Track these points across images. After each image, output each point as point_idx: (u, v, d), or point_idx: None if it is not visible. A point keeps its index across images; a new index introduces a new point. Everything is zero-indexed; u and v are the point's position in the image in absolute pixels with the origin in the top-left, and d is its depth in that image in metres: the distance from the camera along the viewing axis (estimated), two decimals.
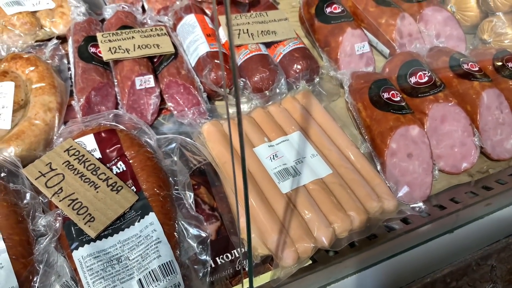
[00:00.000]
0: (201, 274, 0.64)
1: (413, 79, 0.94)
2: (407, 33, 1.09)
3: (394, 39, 1.07)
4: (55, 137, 0.80)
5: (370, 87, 0.92)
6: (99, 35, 0.92)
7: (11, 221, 0.59)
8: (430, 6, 1.12)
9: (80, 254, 0.59)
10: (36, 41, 0.98)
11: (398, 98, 0.90)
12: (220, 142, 0.82)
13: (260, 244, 0.72)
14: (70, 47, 0.95)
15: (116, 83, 0.90)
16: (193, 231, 0.66)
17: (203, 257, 0.65)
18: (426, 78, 0.93)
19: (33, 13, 0.99)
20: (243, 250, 0.71)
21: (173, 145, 0.79)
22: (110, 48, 0.90)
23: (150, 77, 0.90)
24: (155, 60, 0.95)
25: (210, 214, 0.75)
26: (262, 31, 1.01)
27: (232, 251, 0.73)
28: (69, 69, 0.95)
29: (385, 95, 0.90)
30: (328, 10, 1.07)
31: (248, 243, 0.52)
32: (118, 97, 0.90)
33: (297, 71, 0.97)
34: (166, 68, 0.92)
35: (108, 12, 1.02)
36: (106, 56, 0.89)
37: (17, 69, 0.87)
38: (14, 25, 0.96)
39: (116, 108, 0.90)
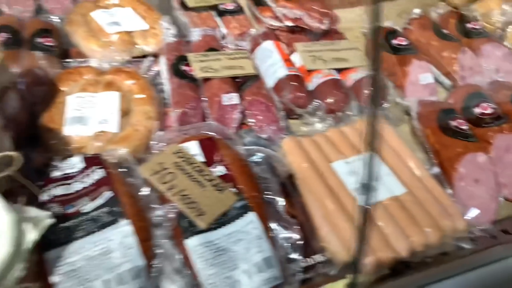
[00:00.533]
0: (292, 273, 0.70)
1: (478, 110, 1.00)
2: (468, 66, 1.16)
3: (456, 71, 1.14)
4: (153, 142, 0.89)
5: (438, 115, 0.99)
6: (190, 56, 1.02)
7: (136, 209, 0.68)
8: (489, 42, 1.19)
9: (192, 243, 0.67)
10: (133, 58, 1.09)
11: (465, 127, 0.96)
12: (300, 155, 0.89)
13: (342, 251, 0.78)
14: (163, 65, 1.05)
15: (204, 98, 0.99)
16: (284, 232, 0.73)
17: (294, 256, 0.71)
18: (491, 110, 0.99)
19: (129, 32, 1.11)
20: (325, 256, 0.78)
21: (259, 155, 0.87)
22: (201, 67, 1.00)
23: (235, 95, 0.99)
24: (238, 80, 1.04)
25: None
26: (334, 58, 1.10)
27: (312, 257, 0.79)
28: (160, 83, 1.05)
29: (453, 123, 0.96)
30: (395, 42, 1.16)
31: (358, 251, 0.59)
32: (206, 111, 0.99)
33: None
34: (249, 88, 1.01)
35: (195, 35, 1.13)
36: (198, 74, 0.99)
37: (120, 81, 0.97)
38: (114, 42, 1.08)
39: (204, 121, 0.99)
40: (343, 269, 0.77)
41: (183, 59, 1.04)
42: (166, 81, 1.02)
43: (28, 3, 1.20)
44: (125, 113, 0.93)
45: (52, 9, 1.21)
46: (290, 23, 1.16)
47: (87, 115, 0.90)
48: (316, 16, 1.14)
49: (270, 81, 1.06)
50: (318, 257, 0.80)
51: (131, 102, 0.95)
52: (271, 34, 1.15)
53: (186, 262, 0.67)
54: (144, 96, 0.95)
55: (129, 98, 0.95)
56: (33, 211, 0.60)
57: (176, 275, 0.66)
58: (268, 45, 1.10)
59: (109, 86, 0.96)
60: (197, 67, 1.00)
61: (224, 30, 1.23)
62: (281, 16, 1.16)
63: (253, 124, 1.00)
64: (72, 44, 1.12)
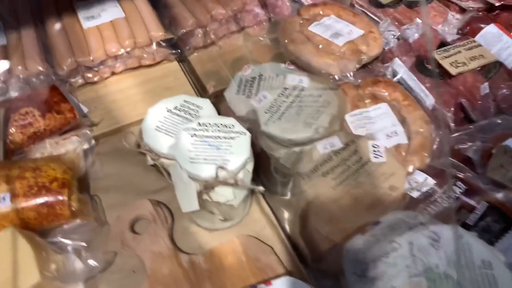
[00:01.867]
0: None
1: None
2: None
3: None
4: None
5: None
6: (435, 54, 1.06)
7: None
8: None
9: None
10: (362, 66, 1.13)
11: None
12: None
13: None
14: (400, 66, 1.09)
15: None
16: None
17: None
18: None
19: (353, 41, 1.15)
20: None
21: None
22: (450, 63, 1.04)
23: (487, 84, 1.03)
24: (479, 69, 1.07)
25: None
26: None
27: None
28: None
29: None
30: None
31: None
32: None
33: None
34: (497, 75, 1.05)
35: (411, 32, 1.16)
36: (452, 71, 1.03)
37: (380, 91, 1.02)
38: (344, 53, 1.12)
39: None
40: None
41: (421, 58, 1.08)
42: (414, 82, 1.06)
43: None
44: (401, 122, 0.98)
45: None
46: (498, 3, 1.18)
47: (373, 131, 0.96)
48: None
49: (507, 63, 1.09)
50: None
51: (400, 110, 1.00)
52: (484, 17, 1.17)
53: None
54: (408, 102, 1.01)
55: (397, 106, 1.01)
56: None
57: None
58: (492, 29, 1.13)
59: (374, 98, 1.01)
60: (447, 64, 1.04)
61: (418, 21, 1.25)
62: None
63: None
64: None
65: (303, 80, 0.83)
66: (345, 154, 0.72)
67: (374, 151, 0.72)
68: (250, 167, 0.79)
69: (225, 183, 0.72)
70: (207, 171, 0.73)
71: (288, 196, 0.87)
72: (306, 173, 0.70)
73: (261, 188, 0.72)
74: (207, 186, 0.74)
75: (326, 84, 0.83)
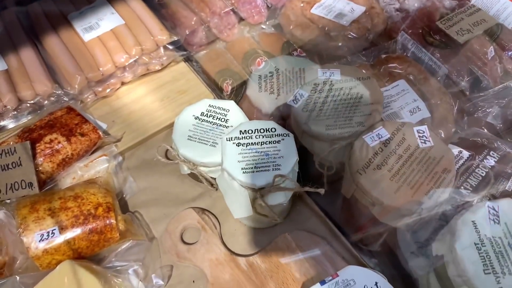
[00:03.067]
0: None
1: None
2: None
3: None
4: None
5: None
6: (439, 24, 1.09)
7: None
8: None
9: None
10: (371, 44, 1.15)
11: None
12: None
13: None
14: (408, 40, 1.11)
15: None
16: None
17: None
18: None
19: (357, 20, 1.16)
20: None
21: None
22: (455, 32, 1.07)
23: (492, 47, 1.07)
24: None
25: None
26: None
27: None
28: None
29: None
30: None
31: None
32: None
33: None
34: (500, 37, 1.09)
35: (410, 2, 1.18)
36: (459, 39, 1.06)
37: (395, 67, 1.05)
38: (351, 33, 1.13)
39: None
40: None
41: (426, 29, 1.11)
42: (424, 55, 1.09)
43: None
44: (420, 96, 1.02)
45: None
46: None
47: (396, 109, 0.99)
48: None
49: (506, 25, 1.13)
50: None
51: (418, 84, 1.03)
52: None
53: None
54: (424, 75, 1.04)
55: (414, 82, 1.04)
56: None
57: None
58: None
59: (391, 76, 1.03)
60: (452, 32, 1.07)
61: None
62: None
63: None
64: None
65: (334, 74, 0.85)
66: (394, 144, 0.75)
67: (420, 136, 0.75)
68: (296, 166, 0.80)
69: (284, 188, 0.74)
70: (262, 180, 0.74)
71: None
72: (360, 167, 0.72)
73: (322, 190, 0.74)
74: (263, 194, 0.75)
75: (356, 74, 0.85)
